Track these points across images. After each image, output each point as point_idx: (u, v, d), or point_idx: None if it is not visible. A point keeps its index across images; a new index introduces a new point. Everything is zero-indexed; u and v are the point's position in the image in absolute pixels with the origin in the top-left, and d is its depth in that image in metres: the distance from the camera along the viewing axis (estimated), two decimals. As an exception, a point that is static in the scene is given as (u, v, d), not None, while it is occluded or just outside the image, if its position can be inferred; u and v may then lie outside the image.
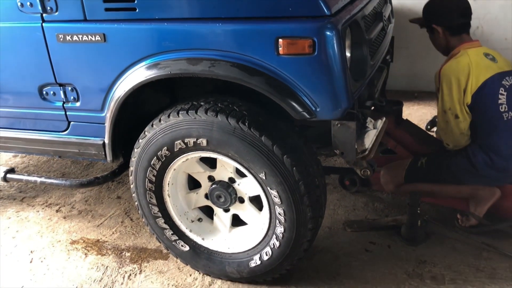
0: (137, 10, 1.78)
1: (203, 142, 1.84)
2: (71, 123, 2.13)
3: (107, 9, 1.82)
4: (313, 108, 1.67)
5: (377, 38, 2.06)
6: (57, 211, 2.84)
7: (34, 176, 2.37)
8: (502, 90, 2.26)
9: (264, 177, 1.81)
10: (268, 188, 1.84)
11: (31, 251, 2.48)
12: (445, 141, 2.40)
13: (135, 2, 1.77)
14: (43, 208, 2.88)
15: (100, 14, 1.83)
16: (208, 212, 2.19)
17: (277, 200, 1.84)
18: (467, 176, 2.35)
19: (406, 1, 4.10)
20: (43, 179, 2.33)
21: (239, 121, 1.77)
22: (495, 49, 2.65)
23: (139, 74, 1.83)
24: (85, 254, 2.44)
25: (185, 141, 1.87)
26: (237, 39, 1.68)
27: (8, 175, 2.39)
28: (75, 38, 1.89)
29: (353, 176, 2.77)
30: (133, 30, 1.80)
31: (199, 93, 2.03)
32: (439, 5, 2.38)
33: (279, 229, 1.91)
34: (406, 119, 2.83)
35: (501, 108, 2.25)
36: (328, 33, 1.55)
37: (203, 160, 2.02)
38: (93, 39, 1.86)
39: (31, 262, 2.40)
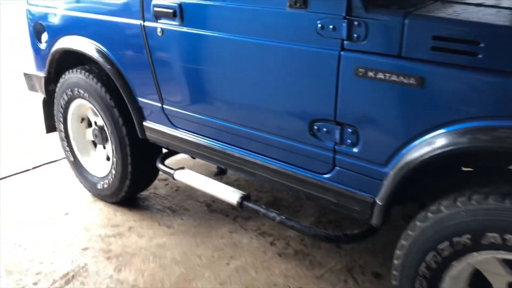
0: (479, 56, 1.36)
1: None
2: (336, 168, 1.80)
3: (434, 48, 1.43)
4: None
5: None
6: (271, 243, 2.59)
7: (272, 211, 2.09)
8: None
9: None
10: None
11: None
12: None
13: (479, 45, 1.35)
14: (256, 236, 2.66)
15: (423, 53, 1.45)
16: None
17: None
18: None
19: None
20: (282, 219, 2.05)
21: None
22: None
23: (456, 138, 1.41)
24: (303, 310, 2.12)
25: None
26: None
27: (245, 203, 2.18)
28: (379, 75, 1.54)
29: None
30: (471, 79, 1.38)
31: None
32: None
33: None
34: None
35: None
36: None
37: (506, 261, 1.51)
38: (405, 80, 1.49)
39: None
